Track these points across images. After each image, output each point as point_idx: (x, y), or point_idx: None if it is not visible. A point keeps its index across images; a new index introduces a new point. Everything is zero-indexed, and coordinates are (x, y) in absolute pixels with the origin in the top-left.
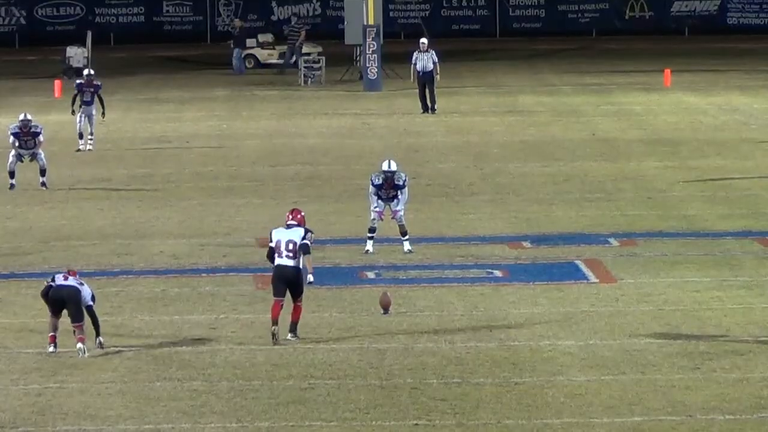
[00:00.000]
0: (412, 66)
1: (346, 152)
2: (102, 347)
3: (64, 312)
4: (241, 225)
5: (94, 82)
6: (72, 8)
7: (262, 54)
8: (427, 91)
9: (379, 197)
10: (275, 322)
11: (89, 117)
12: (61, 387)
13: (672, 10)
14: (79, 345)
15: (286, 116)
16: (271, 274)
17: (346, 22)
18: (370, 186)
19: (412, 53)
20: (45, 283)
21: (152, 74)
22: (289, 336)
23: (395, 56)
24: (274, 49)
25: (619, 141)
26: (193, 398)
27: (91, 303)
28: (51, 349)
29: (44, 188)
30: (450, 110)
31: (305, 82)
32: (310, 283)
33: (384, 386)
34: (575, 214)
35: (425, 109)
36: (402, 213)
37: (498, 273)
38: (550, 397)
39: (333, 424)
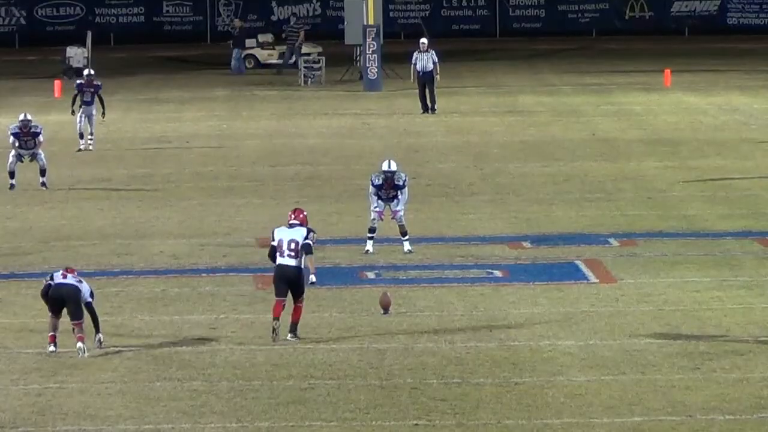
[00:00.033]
0: (412, 66)
1: (346, 152)
2: (101, 344)
3: (64, 312)
4: (241, 225)
5: (95, 82)
6: (72, 8)
7: (262, 54)
8: (427, 91)
9: (379, 197)
10: (276, 319)
11: (89, 117)
12: (61, 387)
13: (672, 10)
14: (79, 344)
15: (286, 116)
16: (272, 274)
17: (346, 22)
18: (370, 186)
19: (412, 53)
20: (44, 281)
21: (152, 74)
22: (288, 336)
23: (395, 56)
24: (274, 49)
25: (619, 141)
26: (193, 398)
27: (90, 300)
28: (51, 348)
29: (44, 188)
30: (450, 110)
31: (305, 82)
32: (312, 283)
33: (384, 386)
34: (575, 214)
35: (425, 109)
36: (402, 213)
37: (498, 273)
38: (550, 397)
39: (333, 424)
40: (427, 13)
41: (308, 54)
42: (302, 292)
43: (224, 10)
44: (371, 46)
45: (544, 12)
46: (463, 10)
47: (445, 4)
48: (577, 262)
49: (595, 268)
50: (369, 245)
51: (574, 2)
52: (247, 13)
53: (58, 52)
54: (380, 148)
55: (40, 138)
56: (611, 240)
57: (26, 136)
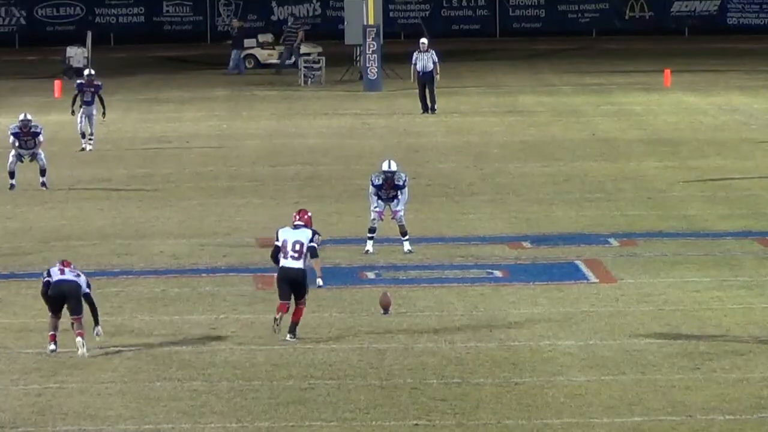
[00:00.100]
0: (412, 66)
1: (346, 152)
2: (99, 336)
3: (64, 312)
4: (241, 225)
5: (95, 82)
6: (72, 8)
7: (262, 54)
8: (427, 91)
9: (379, 197)
10: (281, 315)
11: (89, 117)
12: (61, 387)
13: (672, 10)
14: (78, 339)
15: (286, 116)
16: (273, 274)
17: (346, 22)
18: (370, 186)
19: (412, 53)
20: (42, 279)
21: (152, 74)
22: (288, 337)
23: (395, 56)
24: (273, 49)
25: (619, 141)
26: (193, 398)
27: (88, 290)
28: (51, 347)
29: (44, 188)
30: (450, 110)
31: (305, 82)
32: (319, 286)
33: (384, 386)
34: (575, 214)
35: (425, 109)
36: (402, 213)
37: (498, 273)
38: (550, 397)
39: (333, 424)
40: (427, 13)
41: (308, 54)
42: (304, 294)
43: (224, 10)
44: (371, 46)
45: (544, 12)
46: (463, 10)
47: (445, 4)
48: (577, 262)
49: (595, 268)
50: (369, 245)
51: (574, 2)
52: (246, 13)
53: (58, 52)
54: (380, 148)
55: (40, 138)
56: (611, 240)
57: (26, 136)
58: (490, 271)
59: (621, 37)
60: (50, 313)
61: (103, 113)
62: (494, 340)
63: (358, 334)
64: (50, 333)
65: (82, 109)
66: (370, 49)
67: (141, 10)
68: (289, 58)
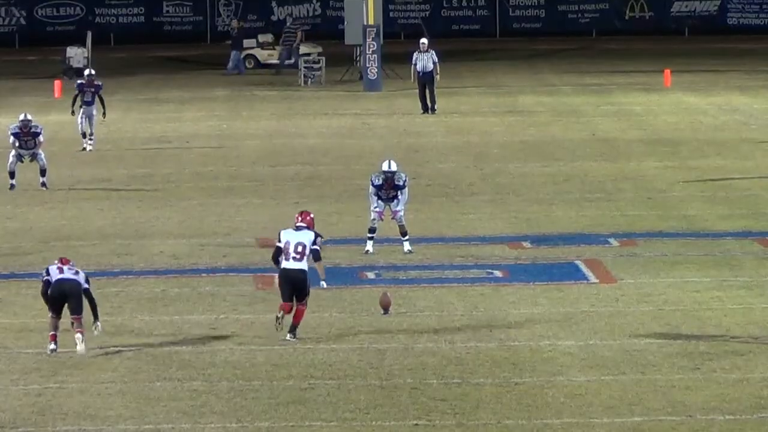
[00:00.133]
0: (412, 66)
1: (346, 152)
2: (97, 331)
3: (65, 312)
4: (241, 225)
5: (95, 83)
6: (72, 8)
7: (262, 54)
8: (427, 91)
9: (379, 197)
10: (283, 313)
11: (90, 117)
12: (61, 387)
13: (672, 10)
14: (78, 335)
15: (286, 116)
16: (275, 275)
17: (346, 22)
18: (370, 186)
19: (412, 53)
20: (41, 279)
21: (152, 74)
22: (288, 337)
23: (395, 56)
24: (274, 49)
25: (619, 141)
26: (193, 398)
27: (87, 286)
28: (51, 346)
29: (44, 188)
30: (450, 110)
31: (305, 82)
32: (323, 288)
33: (384, 386)
34: (575, 214)
35: (425, 109)
36: (402, 213)
37: (498, 273)
38: (550, 397)
39: (333, 424)
40: (427, 13)
41: (308, 54)
42: (306, 295)
43: (224, 10)
44: (371, 46)
45: (544, 12)
46: (463, 10)
47: (445, 4)
48: (577, 262)
49: (595, 268)
50: (369, 245)
51: (574, 2)
52: (246, 14)
53: (58, 52)
54: (380, 148)
55: (40, 138)
56: (611, 240)
57: (26, 136)
58: (490, 271)
59: (621, 37)
60: (50, 313)
61: (104, 113)
62: (494, 340)
63: (358, 334)
64: (50, 333)
65: (82, 110)
66: (370, 49)
67: (141, 10)
68: (289, 58)
